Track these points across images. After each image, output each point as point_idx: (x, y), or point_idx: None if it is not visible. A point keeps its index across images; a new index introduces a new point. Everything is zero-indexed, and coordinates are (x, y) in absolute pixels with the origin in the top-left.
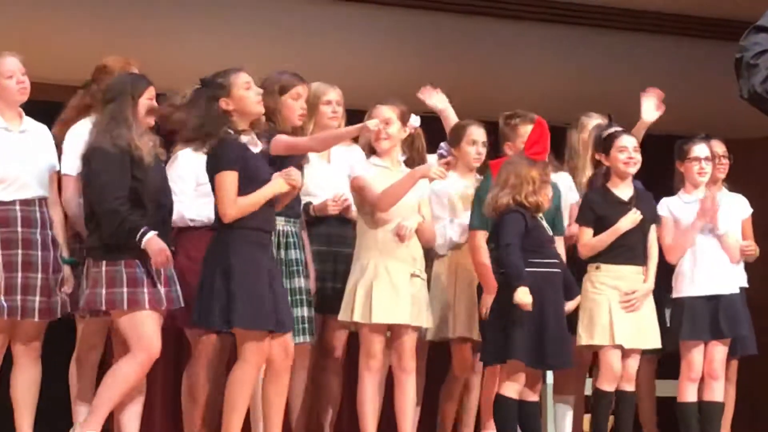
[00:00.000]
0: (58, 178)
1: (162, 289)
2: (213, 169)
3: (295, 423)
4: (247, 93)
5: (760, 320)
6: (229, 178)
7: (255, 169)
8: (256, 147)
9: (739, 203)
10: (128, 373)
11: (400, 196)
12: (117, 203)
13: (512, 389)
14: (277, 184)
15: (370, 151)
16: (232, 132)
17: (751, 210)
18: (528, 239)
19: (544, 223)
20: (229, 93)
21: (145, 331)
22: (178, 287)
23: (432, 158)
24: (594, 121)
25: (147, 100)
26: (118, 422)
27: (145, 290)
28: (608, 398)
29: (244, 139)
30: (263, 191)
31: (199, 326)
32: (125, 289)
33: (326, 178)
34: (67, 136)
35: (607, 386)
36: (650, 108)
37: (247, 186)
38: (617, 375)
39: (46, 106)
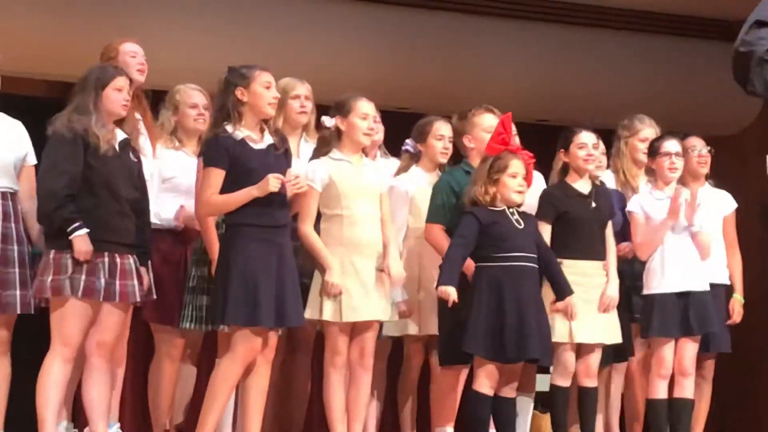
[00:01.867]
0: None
1: (117, 282)
2: (203, 164)
3: (265, 419)
4: (264, 91)
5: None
6: (211, 176)
7: (248, 165)
8: (259, 143)
9: (722, 199)
10: (53, 373)
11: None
12: (57, 185)
13: (486, 385)
14: (258, 187)
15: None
16: (228, 128)
17: (734, 206)
18: (487, 234)
19: (515, 217)
20: (248, 85)
21: (68, 322)
22: (136, 282)
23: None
24: (648, 129)
25: (114, 90)
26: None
27: (83, 278)
28: (564, 394)
29: (242, 134)
30: (240, 193)
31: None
32: (68, 276)
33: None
34: None
35: (562, 382)
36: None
37: (241, 182)
38: (571, 370)
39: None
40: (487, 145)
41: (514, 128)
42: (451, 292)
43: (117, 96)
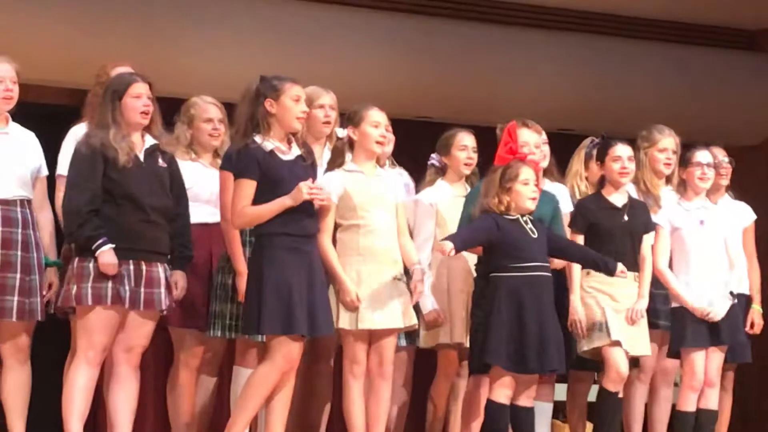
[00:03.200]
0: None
1: (142, 290)
2: (233, 174)
3: (287, 427)
4: (292, 105)
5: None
6: (242, 187)
7: (277, 175)
8: (287, 154)
9: (741, 211)
10: (79, 378)
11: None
12: (77, 204)
13: (502, 394)
14: (291, 197)
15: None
16: (257, 140)
17: (753, 217)
18: (503, 243)
19: (528, 226)
20: (278, 98)
21: (93, 329)
22: (163, 290)
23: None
24: (667, 138)
25: (132, 98)
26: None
27: (110, 285)
28: (614, 399)
29: (271, 145)
30: (273, 204)
31: (244, 335)
32: (90, 284)
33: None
34: (66, 139)
35: (612, 387)
36: None
37: (270, 192)
38: (623, 375)
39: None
40: (496, 155)
41: (545, 136)
42: (447, 245)
43: (136, 103)
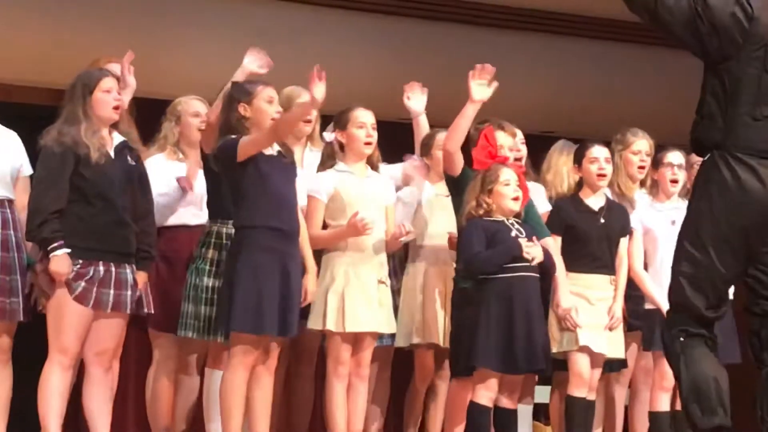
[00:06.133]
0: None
1: (111, 291)
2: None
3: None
4: (266, 106)
5: None
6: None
7: (263, 168)
8: (269, 150)
9: None
10: (53, 382)
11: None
12: (43, 202)
13: (485, 396)
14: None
15: (325, 161)
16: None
17: None
18: (491, 246)
19: (515, 227)
20: (251, 101)
21: (64, 329)
22: (130, 292)
23: (394, 167)
24: (641, 141)
25: (102, 93)
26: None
27: (82, 283)
28: (581, 404)
29: None
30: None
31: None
32: (63, 283)
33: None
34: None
35: (578, 392)
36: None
37: (254, 185)
38: (587, 380)
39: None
40: (474, 160)
41: (521, 135)
42: (516, 244)
43: (106, 98)
